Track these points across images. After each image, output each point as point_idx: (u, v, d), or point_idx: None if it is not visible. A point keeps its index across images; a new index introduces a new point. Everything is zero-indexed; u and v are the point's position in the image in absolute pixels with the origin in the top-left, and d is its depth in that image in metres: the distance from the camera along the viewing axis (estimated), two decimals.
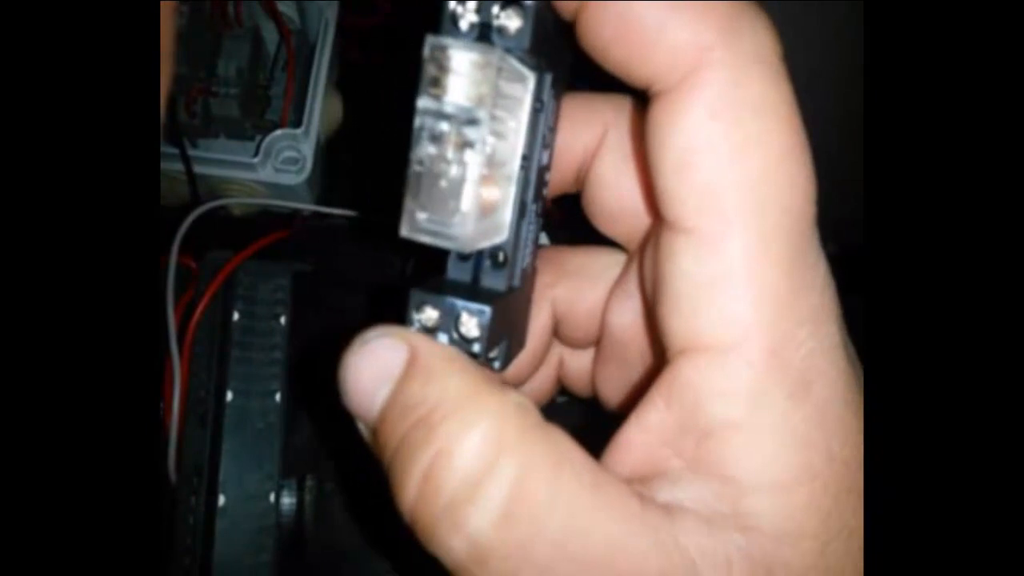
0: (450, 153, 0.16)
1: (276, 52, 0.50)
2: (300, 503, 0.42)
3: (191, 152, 0.44)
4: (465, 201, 0.16)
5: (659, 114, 0.17)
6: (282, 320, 0.39)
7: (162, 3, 0.15)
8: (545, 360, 0.25)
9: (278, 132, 0.45)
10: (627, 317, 0.22)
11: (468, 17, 0.16)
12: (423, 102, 0.16)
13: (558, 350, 0.25)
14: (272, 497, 0.37)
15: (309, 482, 0.43)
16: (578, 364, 0.25)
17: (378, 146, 0.53)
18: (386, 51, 0.53)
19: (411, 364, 0.17)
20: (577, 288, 0.23)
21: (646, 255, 0.20)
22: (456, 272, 0.18)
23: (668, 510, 0.16)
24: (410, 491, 0.16)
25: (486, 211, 0.17)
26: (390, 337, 0.17)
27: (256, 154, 0.45)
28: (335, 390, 0.46)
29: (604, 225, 0.22)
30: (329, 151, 0.49)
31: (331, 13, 0.48)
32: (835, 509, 0.16)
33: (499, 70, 0.16)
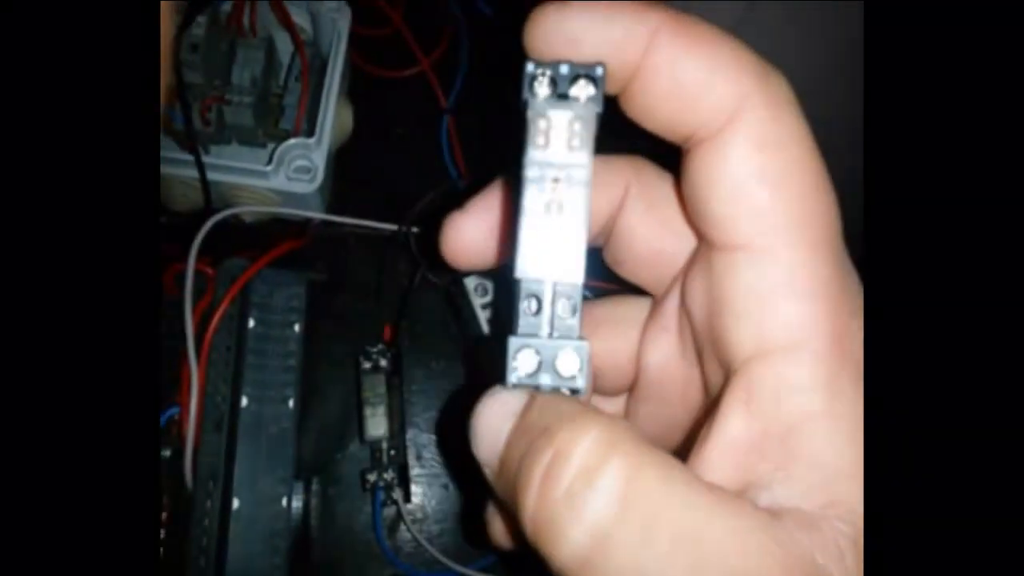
0: (558, 197, 0.18)
1: (290, 62, 0.51)
2: (306, 506, 0.43)
3: (205, 159, 0.45)
4: (576, 240, 0.19)
5: (706, 155, 0.19)
6: (296, 328, 0.40)
7: (162, 3, 0.16)
8: None
9: (291, 141, 0.45)
10: (662, 355, 0.23)
11: (543, 90, 0.19)
12: (531, 155, 0.19)
13: (592, 400, 0.26)
14: (284, 501, 0.38)
15: (315, 486, 0.44)
16: (610, 410, 0.26)
17: (388, 155, 0.54)
18: (397, 61, 0.54)
19: (530, 400, 0.19)
20: (612, 338, 0.24)
21: (692, 285, 0.21)
22: (526, 327, 0.19)
23: (775, 513, 0.17)
24: (532, 491, 0.17)
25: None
26: (510, 389, 0.19)
27: (269, 162, 0.45)
28: (340, 399, 0.46)
29: (632, 272, 0.24)
30: (340, 159, 0.50)
31: (344, 24, 0.49)
32: None
33: (597, 124, 0.18)
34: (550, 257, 0.19)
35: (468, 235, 0.23)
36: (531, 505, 0.17)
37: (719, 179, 0.19)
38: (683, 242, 0.22)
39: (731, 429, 0.18)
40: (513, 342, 0.19)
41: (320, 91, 0.47)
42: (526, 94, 0.19)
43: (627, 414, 0.26)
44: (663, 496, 0.16)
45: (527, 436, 0.18)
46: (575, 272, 0.19)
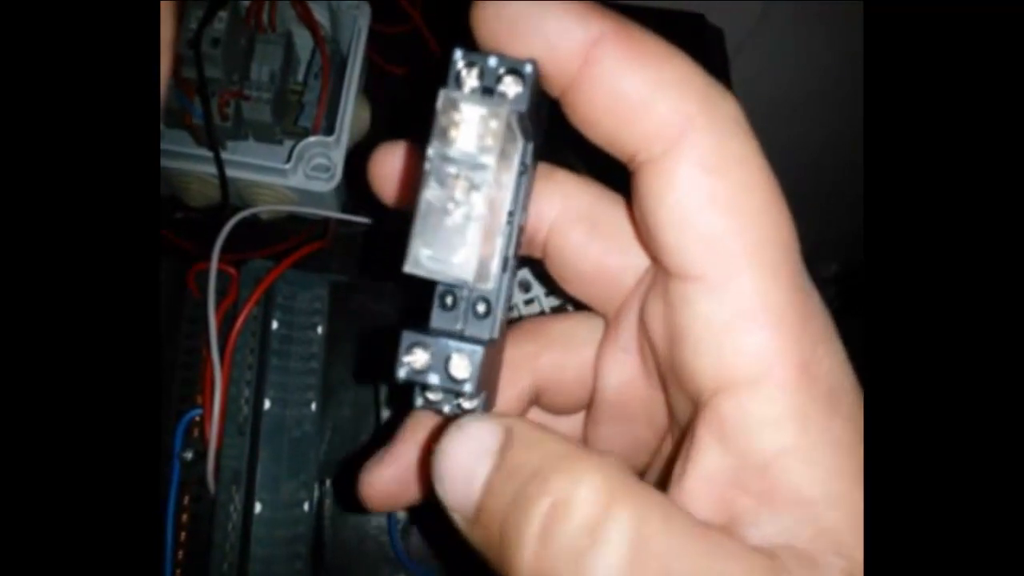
0: (457, 194, 0.17)
1: (309, 59, 0.50)
2: (320, 507, 0.43)
3: (223, 155, 0.44)
4: (470, 237, 0.17)
5: (651, 177, 0.18)
6: (319, 330, 0.40)
7: (162, 2, 0.15)
8: None
9: (311, 139, 0.45)
10: (622, 377, 0.22)
11: (471, 82, 0.18)
12: (434, 148, 0.17)
13: (539, 418, 0.25)
14: (306, 506, 0.38)
15: (328, 486, 0.44)
16: (563, 429, 0.25)
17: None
18: (414, 59, 0.53)
19: (509, 437, 0.17)
20: (564, 355, 0.24)
21: (651, 309, 0.20)
22: (441, 322, 0.19)
23: (769, 552, 0.17)
24: (529, 545, 0.16)
25: (484, 255, 0.18)
26: (484, 420, 0.18)
27: (288, 160, 0.45)
28: (358, 401, 0.45)
29: (578, 290, 0.23)
30: (356, 157, 0.50)
31: (363, 21, 0.48)
32: None
33: (507, 124, 0.17)
34: (443, 255, 0.17)
35: (393, 166, 0.23)
36: (528, 556, 0.16)
37: (667, 205, 0.18)
38: (630, 260, 0.21)
39: (708, 464, 0.18)
40: (406, 336, 0.18)
41: (339, 88, 0.47)
42: (450, 83, 0.18)
43: (585, 434, 0.25)
44: (669, 547, 0.16)
45: (513, 481, 0.16)
46: (469, 272, 0.17)
